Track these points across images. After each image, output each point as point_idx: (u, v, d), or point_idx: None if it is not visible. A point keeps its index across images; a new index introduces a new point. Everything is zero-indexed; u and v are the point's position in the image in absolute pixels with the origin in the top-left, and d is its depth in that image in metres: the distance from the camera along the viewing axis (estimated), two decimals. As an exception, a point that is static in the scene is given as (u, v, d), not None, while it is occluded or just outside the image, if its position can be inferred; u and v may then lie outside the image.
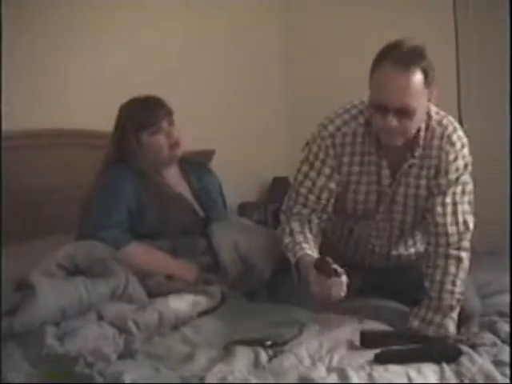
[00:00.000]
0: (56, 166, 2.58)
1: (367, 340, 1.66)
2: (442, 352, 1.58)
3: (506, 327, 1.78)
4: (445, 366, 1.53)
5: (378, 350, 1.59)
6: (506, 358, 1.56)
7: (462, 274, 1.98)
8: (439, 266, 1.98)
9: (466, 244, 2.00)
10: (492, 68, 3.11)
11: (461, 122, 3.21)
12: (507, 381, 1.48)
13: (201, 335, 1.77)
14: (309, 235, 1.99)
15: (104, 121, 2.66)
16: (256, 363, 1.58)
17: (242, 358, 1.59)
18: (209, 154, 3.02)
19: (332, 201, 2.04)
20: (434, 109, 2.01)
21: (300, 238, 1.97)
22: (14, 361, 1.59)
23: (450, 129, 2.00)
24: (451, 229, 1.99)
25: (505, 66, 2.98)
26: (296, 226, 2.01)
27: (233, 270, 2.16)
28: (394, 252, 2.19)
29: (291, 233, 2.00)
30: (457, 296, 1.95)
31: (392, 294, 2.10)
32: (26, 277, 1.82)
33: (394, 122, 1.86)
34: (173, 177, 2.34)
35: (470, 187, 2.03)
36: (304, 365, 1.55)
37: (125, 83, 2.79)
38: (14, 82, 2.46)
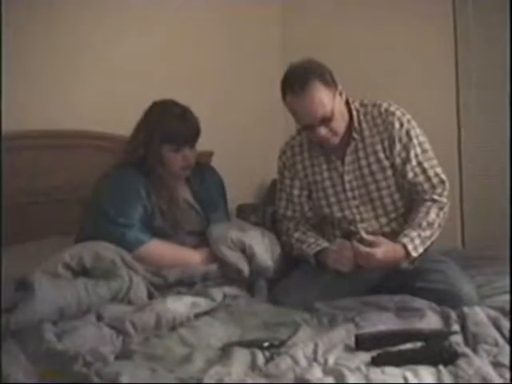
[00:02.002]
0: (58, 166, 2.58)
1: (362, 343, 1.66)
2: (440, 354, 1.57)
3: (508, 324, 1.76)
4: (442, 368, 1.52)
5: (374, 352, 1.59)
6: (506, 360, 1.55)
7: (441, 221, 2.21)
8: (421, 211, 2.19)
9: (444, 193, 2.23)
10: (491, 70, 3.10)
11: (459, 124, 3.22)
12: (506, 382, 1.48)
13: (198, 336, 1.77)
14: (310, 232, 2.32)
15: (106, 122, 2.68)
16: (253, 365, 1.58)
17: (239, 359, 1.59)
18: (207, 156, 3.02)
19: (306, 204, 2.35)
20: (364, 100, 2.31)
21: (309, 233, 2.30)
22: (11, 357, 1.60)
23: (385, 104, 2.28)
24: (426, 185, 2.23)
25: (505, 67, 2.98)
26: (294, 225, 2.36)
27: (244, 267, 2.19)
28: (386, 229, 2.26)
29: (297, 230, 2.33)
30: (434, 230, 2.17)
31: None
32: (26, 275, 1.83)
33: (321, 131, 2.16)
34: (176, 179, 2.34)
35: (427, 146, 2.26)
36: (300, 366, 1.55)
37: (126, 85, 2.80)
38: (16, 82, 2.46)
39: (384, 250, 2.09)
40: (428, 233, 2.16)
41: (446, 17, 3.16)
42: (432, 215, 2.18)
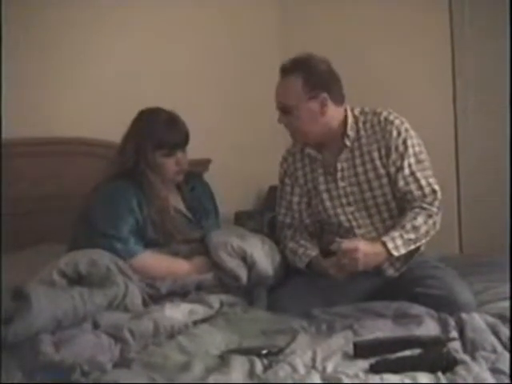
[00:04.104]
0: (52, 174, 2.58)
1: (360, 350, 1.65)
2: (438, 361, 1.57)
3: (506, 331, 1.76)
4: (440, 374, 1.52)
5: (372, 360, 1.59)
6: (504, 367, 1.54)
7: (430, 229, 2.18)
8: (408, 215, 2.18)
9: (435, 203, 2.21)
10: (490, 74, 3.11)
11: (457, 129, 3.23)
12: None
13: (197, 344, 1.77)
14: (303, 241, 2.31)
15: (100, 129, 2.68)
16: (251, 372, 1.58)
17: (238, 367, 1.58)
18: (205, 163, 3.02)
19: (305, 211, 2.36)
20: (365, 108, 2.33)
21: (302, 242, 2.30)
22: (7, 370, 1.58)
23: (385, 113, 2.28)
24: (417, 193, 2.21)
25: (504, 69, 2.98)
26: (291, 233, 2.36)
27: (242, 274, 2.19)
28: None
29: (292, 239, 2.33)
30: (419, 235, 2.15)
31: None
32: (22, 285, 1.82)
33: (280, 118, 2.26)
34: (167, 188, 2.34)
35: (423, 156, 2.26)
36: (299, 374, 1.55)
37: (121, 92, 2.80)
38: (13, 88, 2.45)
39: (364, 243, 2.12)
40: (412, 236, 2.15)
41: (444, 19, 3.18)
42: (419, 220, 2.17)
